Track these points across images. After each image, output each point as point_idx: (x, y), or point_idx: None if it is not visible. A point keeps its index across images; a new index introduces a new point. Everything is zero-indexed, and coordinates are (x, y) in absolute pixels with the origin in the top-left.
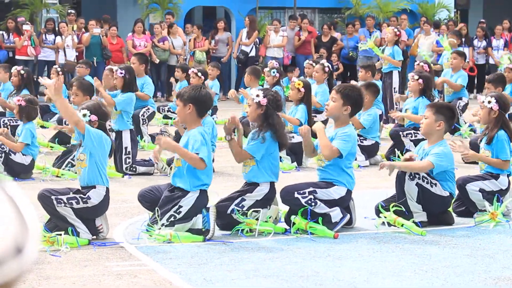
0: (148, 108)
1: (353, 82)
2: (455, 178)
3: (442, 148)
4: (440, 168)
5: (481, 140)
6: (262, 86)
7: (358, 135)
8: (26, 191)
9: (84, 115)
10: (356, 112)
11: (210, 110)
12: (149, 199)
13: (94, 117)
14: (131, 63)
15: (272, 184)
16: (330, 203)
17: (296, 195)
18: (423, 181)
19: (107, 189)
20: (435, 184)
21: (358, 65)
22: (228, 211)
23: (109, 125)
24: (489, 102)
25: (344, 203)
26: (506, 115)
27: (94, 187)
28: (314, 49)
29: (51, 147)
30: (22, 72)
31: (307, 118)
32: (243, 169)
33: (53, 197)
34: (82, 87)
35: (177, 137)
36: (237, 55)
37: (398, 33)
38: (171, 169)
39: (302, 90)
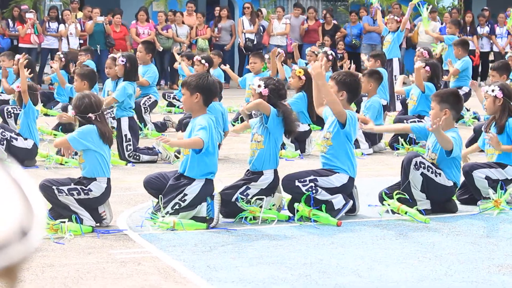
0: (150, 97)
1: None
2: (460, 166)
3: (453, 134)
4: (455, 152)
5: (488, 130)
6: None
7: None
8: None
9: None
10: (354, 97)
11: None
12: (155, 186)
13: (73, 112)
14: (138, 52)
15: (275, 172)
16: (332, 191)
17: (297, 183)
18: (428, 170)
19: (109, 179)
20: (440, 174)
21: (362, 53)
22: (233, 199)
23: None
24: (493, 90)
25: (347, 190)
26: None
27: (94, 179)
28: (322, 38)
29: (54, 135)
30: (21, 61)
31: (308, 106)
32: (251, 152)
33: (54, 187)
34: (80, 73)
35: (180, 126)
36: (243, 43)
37: (398, 19)
38: (176, 158)
39: (303, 78)
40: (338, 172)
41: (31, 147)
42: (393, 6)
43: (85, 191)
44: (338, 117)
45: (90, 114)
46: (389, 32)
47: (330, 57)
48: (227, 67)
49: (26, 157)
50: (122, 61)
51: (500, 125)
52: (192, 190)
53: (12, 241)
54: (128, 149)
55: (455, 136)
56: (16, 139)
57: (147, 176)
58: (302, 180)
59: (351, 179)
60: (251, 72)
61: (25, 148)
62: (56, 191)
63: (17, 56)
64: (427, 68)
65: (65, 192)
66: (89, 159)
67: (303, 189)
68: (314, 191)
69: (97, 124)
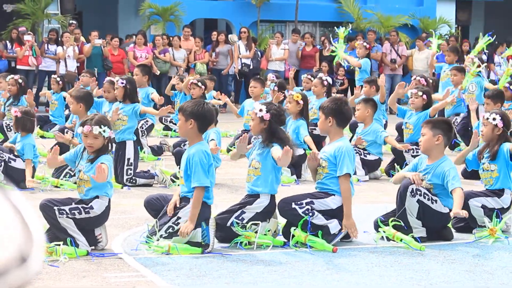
0: (147, 121)
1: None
2: None
3: (450, 163)
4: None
5: (481, 158)
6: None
7: (363, 149)
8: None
9: (104, 131)
10: (344, 122)
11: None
12: (154, 207)
13: (112, 133)
14: (134, 75)
15: (272, 197)
16: (328, 214)
17: (293, 205)
18: (425, 197)
19: (109, 200)
20: (436, 201)
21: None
22: (228, 224)
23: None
24: (494, 119)
25: (342, 214)
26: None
27: (97, 197)
28: (319, 63)
29: None
30: (20, 81)
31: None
32: (248, 178)
33: (55, 207)
34: (76, 96)
35: (177, 152)
36: (239, 69)
37: (368, 46)
38: (173, 181)
39: (301, 102)
40: (334, 195)
41: None
42: (391, 33)
43: (86, 210)
44: None
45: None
46: (359, 58)
47: (325, 82)
48: (228, 100)
49: (22, 179)
50: (122, 83)
51: (493, 151)
52: (185, 213)
53: (11, 268)
54: (128, 173)
55: (454, 169)
56: (15, 160)
57: (148, 197)
58: (298, 202)
59: None
60: (249, 97)
61: (23, 169)
62: (57, 212)
63: (12, 76)
64: (424, 96)
65: (66, 212)
66: (101, 184)
67: (300, 211)
68: (310, 214)
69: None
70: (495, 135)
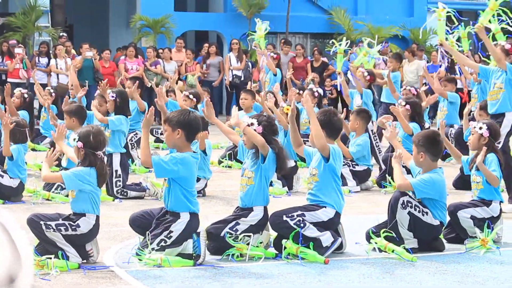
0: (136, 133)
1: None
2: (446, 207)
3: (432, 175)
4: (421, 194)
5: (471, 168)
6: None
7: (351, 160)
8: (16, 214)
9: (74, 139)
10: (334, 133)
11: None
12: (140, 224)
13: (80, 144)
14: (126, 87)
15: (265, 209)
16: (319, 226)
17: (284, 218)
18: (415, 210)
19: (97, 217)
20: (427, 213)
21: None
22: (222, 234)
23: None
24: (480, 128)
25: (333, 226)
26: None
27: (84, 215)
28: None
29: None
30: (26, 96)
31: None
32: (240, 187)
33: (41, 222)
34: (68, 111)
35: None
36: (230, 81)
37: (275, 56)
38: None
39: None
40: (325, 207)
41: (17, 186)
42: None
43: (72, 227)
44: (321, 151)
45: (99, 152)
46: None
47: (316, 94)
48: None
49: (11, 195)
50: (112, 96)
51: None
52: (178, 227)
53: None
54: (118, 185)
55: (430, 178)
56: (2, 176)
57: (133, 214)
58: (289, 215)
59: (338, 214)
60: (241, 109)
61: (10, 187)
62: (43, 227)
63: (20, 89)
64: (407, 106)
65: (52, 228)
66: (80, 195)
67: (291, 223)
68: (302, 225)
69: (100, 163)
70: (481, 144)
